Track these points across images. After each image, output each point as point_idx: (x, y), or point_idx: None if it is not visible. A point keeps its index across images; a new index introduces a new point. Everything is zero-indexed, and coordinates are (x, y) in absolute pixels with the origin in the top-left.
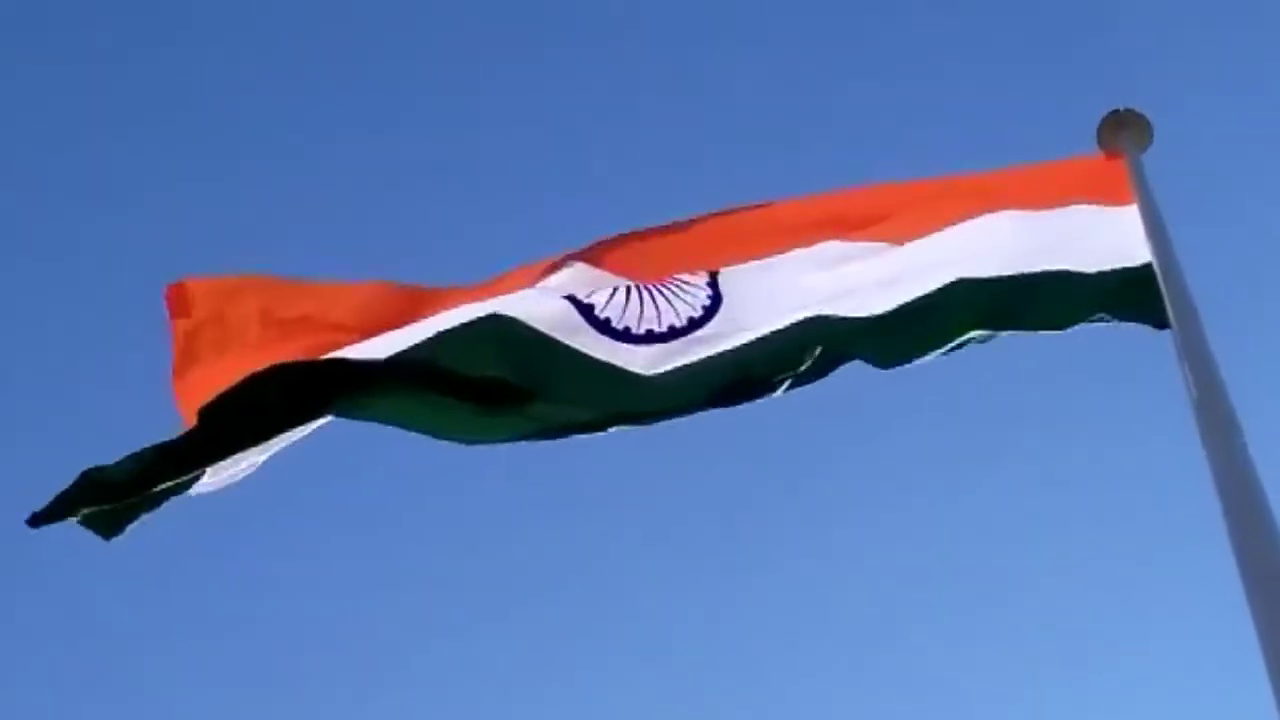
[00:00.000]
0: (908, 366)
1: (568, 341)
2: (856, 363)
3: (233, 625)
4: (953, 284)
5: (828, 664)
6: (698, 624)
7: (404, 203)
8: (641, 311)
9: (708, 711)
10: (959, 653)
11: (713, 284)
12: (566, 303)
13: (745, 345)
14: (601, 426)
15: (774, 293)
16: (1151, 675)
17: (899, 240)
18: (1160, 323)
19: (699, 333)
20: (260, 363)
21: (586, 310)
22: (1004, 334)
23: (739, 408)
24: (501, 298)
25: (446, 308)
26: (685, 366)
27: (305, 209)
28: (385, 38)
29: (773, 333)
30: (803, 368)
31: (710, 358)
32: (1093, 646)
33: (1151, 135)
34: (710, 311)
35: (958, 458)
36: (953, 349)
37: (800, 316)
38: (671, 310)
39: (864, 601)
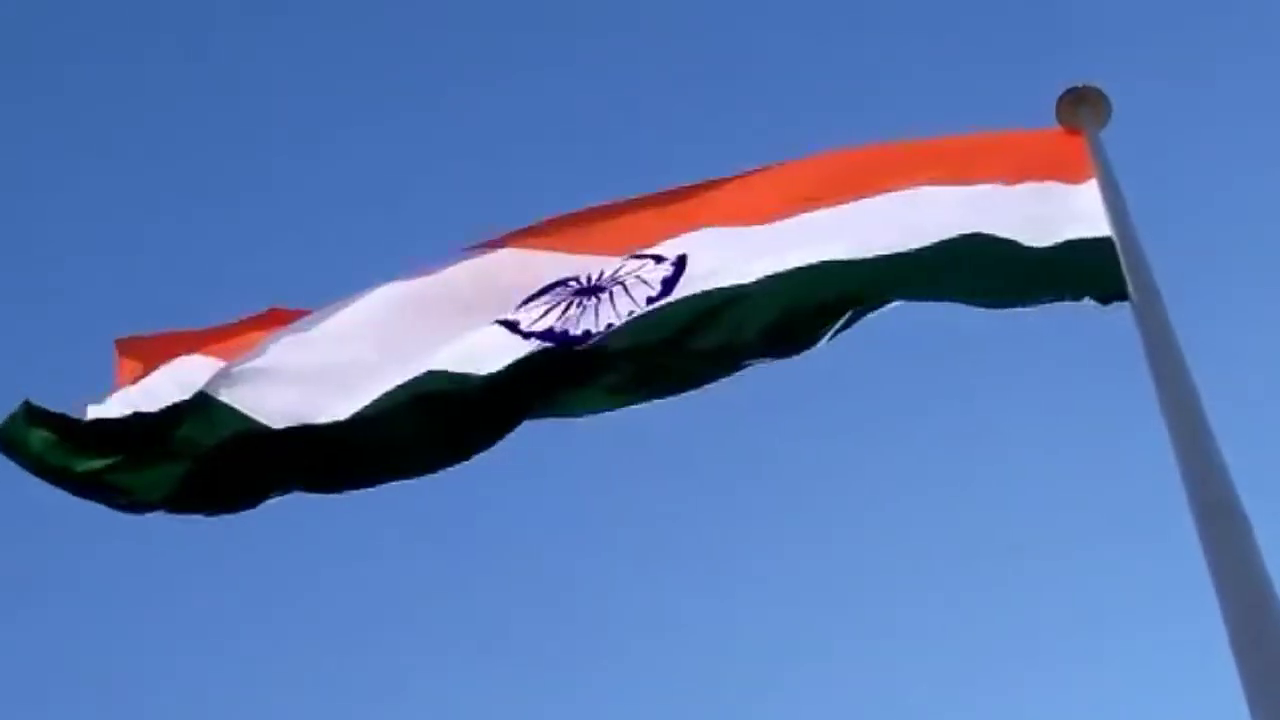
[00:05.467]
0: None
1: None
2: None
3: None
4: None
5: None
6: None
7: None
8: (581, 315)
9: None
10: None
11: (677, 261)
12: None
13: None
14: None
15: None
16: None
17: (848, 197)
18: (1120, 296)
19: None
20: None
21: (513, 326)
22: (957, 303)
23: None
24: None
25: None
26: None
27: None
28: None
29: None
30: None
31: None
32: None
33: (1110, 111)
34: (671, 283)
35: (911, 437)
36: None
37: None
38: (625, 301)
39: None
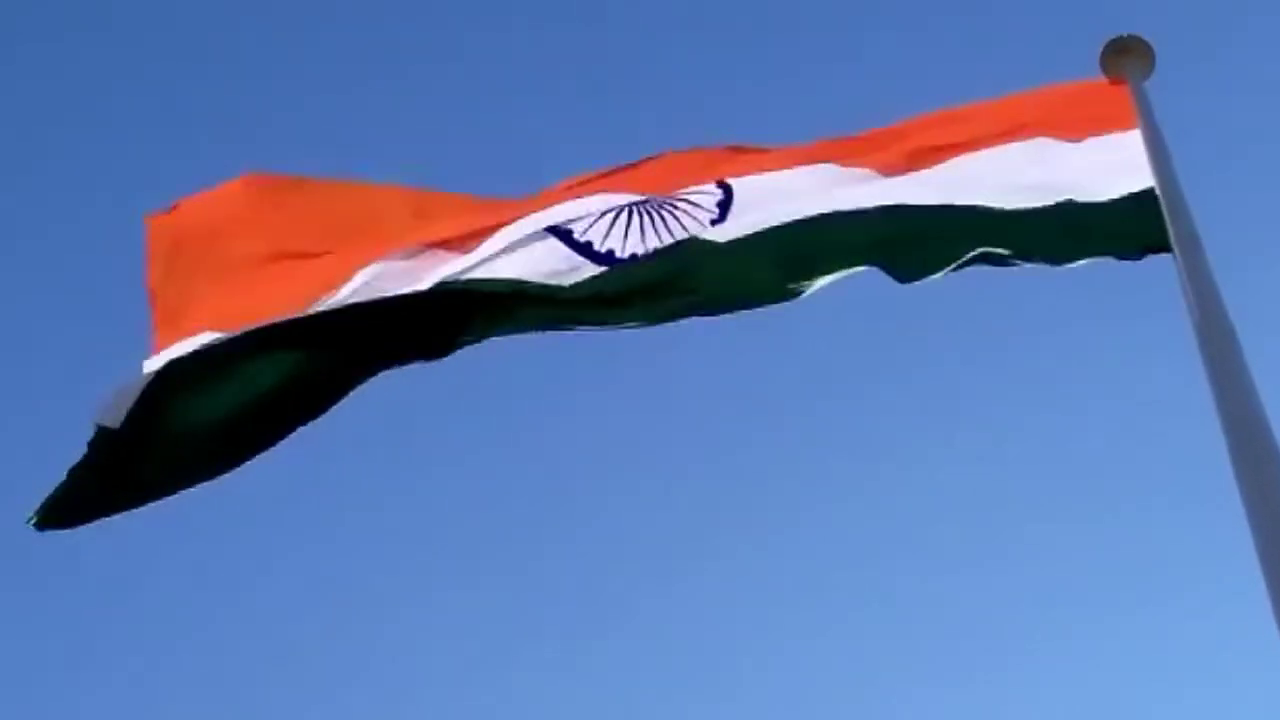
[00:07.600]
0: (917, 284)
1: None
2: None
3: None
4: (966, 208)
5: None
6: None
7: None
8: (626, 234)
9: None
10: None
11: (724, 188)
12: (549, 238)
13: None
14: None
15: (780, 197)
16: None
17: (908, 167)
18: (1162, 248)
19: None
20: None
21: (566, 235)
22: (1010, 265)
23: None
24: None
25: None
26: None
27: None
28: None
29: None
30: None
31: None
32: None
33: (1154, 61)
34: (724, 209)
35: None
36: (958, 267)
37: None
38: (676, 226)
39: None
